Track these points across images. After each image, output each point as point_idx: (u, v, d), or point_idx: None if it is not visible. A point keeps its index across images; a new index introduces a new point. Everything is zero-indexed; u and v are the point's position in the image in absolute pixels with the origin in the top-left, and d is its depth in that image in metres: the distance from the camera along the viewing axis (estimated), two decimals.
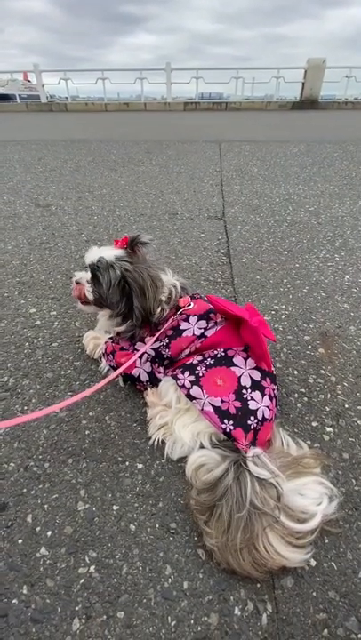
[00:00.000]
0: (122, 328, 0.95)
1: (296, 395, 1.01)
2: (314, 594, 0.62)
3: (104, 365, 1.06)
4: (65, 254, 1.85)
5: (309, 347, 1.19)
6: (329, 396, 1.00)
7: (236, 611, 0.60)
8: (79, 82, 13.13)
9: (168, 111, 10.90)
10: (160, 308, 0.90)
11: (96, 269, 0.90)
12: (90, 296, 0.95)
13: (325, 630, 0.57)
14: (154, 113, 10.52)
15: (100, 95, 12.28)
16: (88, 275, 0.93)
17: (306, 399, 0.99)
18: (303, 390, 1.02)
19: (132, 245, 0.91)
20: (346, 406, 0.97)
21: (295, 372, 1.09)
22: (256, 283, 1.58)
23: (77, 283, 0.98)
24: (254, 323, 0.79)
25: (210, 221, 2.26)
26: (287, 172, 3.39)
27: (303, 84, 10.79)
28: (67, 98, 12.62)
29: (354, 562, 0.65)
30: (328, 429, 0.91)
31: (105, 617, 0.59)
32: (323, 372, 1.09)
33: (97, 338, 1.13)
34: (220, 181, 3.11)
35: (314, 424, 0.92)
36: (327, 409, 0.96)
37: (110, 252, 0.91)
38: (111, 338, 1.05)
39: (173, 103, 11.47)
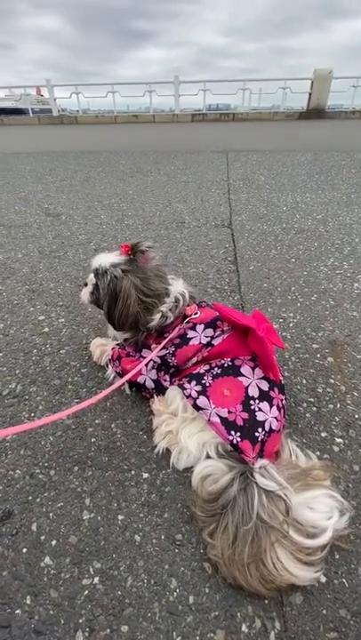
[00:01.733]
0: (127, 335, 0.95)
1: (305, 404, 0.99)
2: (324, 612, 0.60)
3: (110, 372, 1.06)
4: (74, 262, 1.87)
5: (318, 355, 1.17)
6: (339, 405, 0.98)
7: (244, 628, 0.58)
8: (90, 95, 13.50)
9: (176, 122, 11.11)
10: (161, 316, 0.91)
11: (95, 274, 0.93)
12: (85, 297, 1.02)
13: None
14: (162, 124, 10.72)
15: (109, 108, 12.59)
16: (93, 279, 0.95)
17: (315, 409, 0.98)
18: (312, 400, 1.00)
19: (134, 252, 0.92)
20: (356, 416, 0.95)
21: (304, 381, 1.07)
22: (263, 290, 1.57)
23: (85, 284, 1.04)
24: (261, 331, 0.79)
25: (217, 230, 2.27)
26: (294, 181, 3.40)
27: (310, 94, 10.89)
28: (77, 111, 12.98)
29: None
30: (338, 440, 0.89)
31: (109, 630, 0.58)
32: (332, 381, 1.07)
33: (103, 344, 1.13)
34: (228, 190, 3.14)
35: (323, 434, 0.90)
36: (337, 419, 0.94)
37: (109, 259, 0.93)
38: (118, 344, 1.06)
39: (181, 115, 11.68)
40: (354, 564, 0.65)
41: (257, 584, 0.56)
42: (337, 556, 0.66)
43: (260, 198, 2.89)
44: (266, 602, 0.61)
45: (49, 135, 8.60)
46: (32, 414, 0.98)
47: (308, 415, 0.96)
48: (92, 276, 0.97)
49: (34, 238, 2.21)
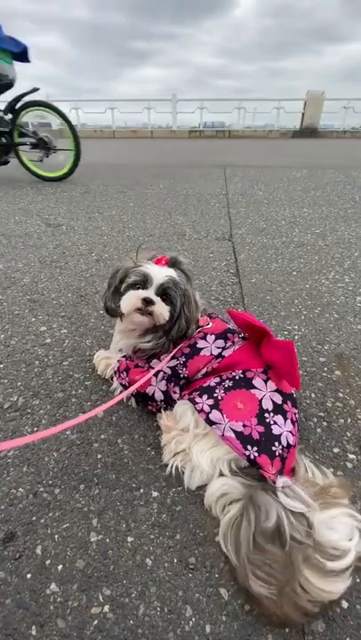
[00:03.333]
0: (148, 345, 0.91)
1: (315, 419, 0.97)
2: (348, 639, 0.57)
3: (115, 385, 1.03)
4: (75, 273, 1.86)
5: (325, 369, 1.17)
6: (349, 420, 0.97)
7: None
8: (89, 111, 13.79)
9: (174, 138, 11.36)
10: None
11: (169, 289, 0.87)
12: (166, 313, 0.85)
13: None
14: (160, 140, 10.97)
15: (108, 124, 12.88)
16: (153, 295, 0.86)
17: (325, 424, 0.96)
18: (322, 414, 0.99)
19: (172, 265, 0.92)
20: None
21: (313, 395, 1.05)
22: (267, 303, 1.57)
23: (149, 302, 0.84)
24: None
25: (218, 242, 2.29)
26: (291, 196, 3.47)
27: (303, 114, 11.28)
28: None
29: None
30: (351, 456, 0.87)
31: None
32: (341, 395, 1.06)
33: (108, 358, 1.11)
34: (227, 204, 3.18)
35: (335, 450, 0.88)
36: (348, 434, 0.93)
37: (170, 272, 0.89)
38: (124, 356, 1.03)
39: (179, 131, 11.99)
40: None
41: (292, 611, 0.53)
42: (358, 580, 0.63)
43: (258, 212, 2.94)
44: (287, 630, 0.57)
45: None
46: (35, 429, 0.94)
47: (318, 430, 0.94)
48: (145, 292, 0.85)
49: (34, 248, 2.19)
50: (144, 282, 0.86)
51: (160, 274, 0.86)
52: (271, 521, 0.57)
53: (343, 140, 10.58)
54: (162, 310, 0.84)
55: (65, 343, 1.29)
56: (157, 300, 0.85)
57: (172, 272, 0.89)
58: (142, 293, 0.84)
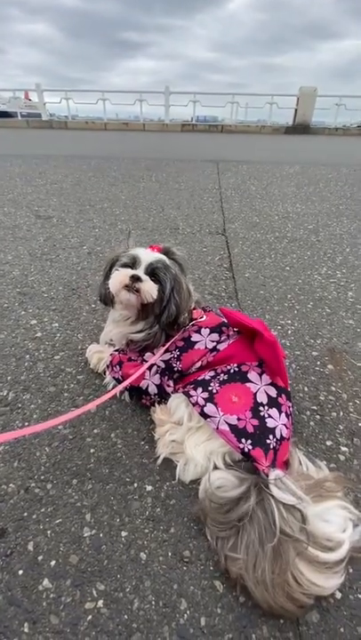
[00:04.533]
0: (140, 335, 0.90)
1: (308, 412, 0.98)
2: (341, 629, 0.57)
3: (108, 379, 1.02)
4: (66, 266, 1.83)
5: (318, 363, 1.17)
6: (342, 413, 0.98)
7: None
8: (80, 101, 13.51)
9: (166, 132, 11.24)
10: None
11: (158, 269, 0.86)
12: (154, 292, 0.83)
13: None
14: (152, 133, 10.83)
15: (99, 115, 12.65)
16: (142, 273, 0.85)
17: (318, 417, 0.97)
18: (315, 408, 0.99)
19: (165, 254, 0.91)
20: (360, 424, 0.94)
21: (306, 389, 1.06)
22: (260, 298, 1.57)
23: (137, 279, 0.83)
24: (269, 337, 0.77)
25: (211, 237, 2.27)
26: (284, 192, 3.47)
27: (296, 110, 11.28)
28: (66, 117, 12.95)
29: None
30: (343, 449, 0.88)
31: None
32: (333, 388, 1.07)
33: (100, 351, 1.09)
34: (220, 199, 3.17)
35: (328, 443, 0.89)
36: (341, 427, 0.94)
37: (160, 256, 0.90)
38: (117, 350, 1.02)
39: (171, 124, 11.85)
40: None
41: (285, 602, 0.53)
42: (351, 571, 0.64)
43: (251, 207, 2.93)
44: (281, 621, 0.58)
45: (38, 139, 8.51)
46: (26, 423, 0.92)
47: (312, 423, 0.95)
48: (133, 270, 0.85)
49: (24, 240, 2.14)
50: (133, 262, 0.87)
51: (149, 255, 0.88)
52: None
53: (335, 138, 10.63)
54: (149, 287, 0.82)
55: (56, 337, 1.27)
56: (145, 277, 0.84)
57: (162, 257, 0.88)
58: (130, 271, 0.85)
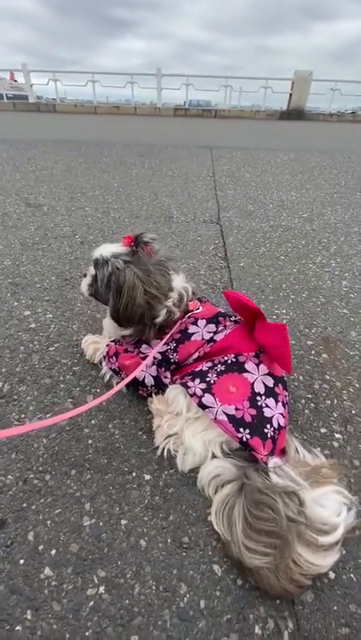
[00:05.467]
0: (127, 332, 0.91)
1: (303, 400, 0.99)
2: (335, 608, 0.60)
3: (105, 370, 1.02)
4: (59, 255, 1.79)
5: (313, 352, 1.19)
6: (336, 401, 1.00)
7: (257, 630, 0.57)
8: (68, 83, 13.04)
9: (158, 116, 10.95)
10: (167, 311, 0.87)
11: (95, 265, 0.89)
12: (85, 289, 0.98)
13: None
14: (144, 117, 10.54)
15: (88, 98, 12.24)
16: (90, 270, 0.91)
17: (313, 405, 0.98)
18: (310, 396, 1.01)
19: (136, 244, 0.88)
20: (353, 412, 0.96)
21: (300, 378, 1.07)
22: (255, 287, 1.57)
23: (84, 275, 0.99)
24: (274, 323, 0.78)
25: (206, 225, 2.25)
26: (279, 179, 3.44)
27: (290, 94, 11.07)
28: (54, 99, 12.50)
29: None
30: (337, 436, 0.89)
31: None
32: (328, 377, 1.08)
33: (96, 342, 1.09)
34: (214, 186, 3.12)
35: (323, 430, 0.91)
36: (335, 415, 0.95)
37: (111, 249, 0.88)
38: (113, 341, 1.01)
39: (164, 108, 11.54)
40: None
41: (287, 584, 0.55)
42: (344, 552, 0.66)
43: (246, 195, 2.90)
44: (278, 602, 0.60)
45: (25, 122, 8.23)
46: (22, 415, 0.92)
47: (306, 411, 0.96)
48: (92, 267, 0.92)
49: (14, 229, 2.09)
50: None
51: (99, 251, 0.90)
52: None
53: (329, 124, 10.49)
54: (82, 285, 0.99)
55: (50, 328, 1.25)
56: (89, 274, 0.96)
57: (111, 249, 0.88)
58: (90, 269, 0.96)
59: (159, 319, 0.85)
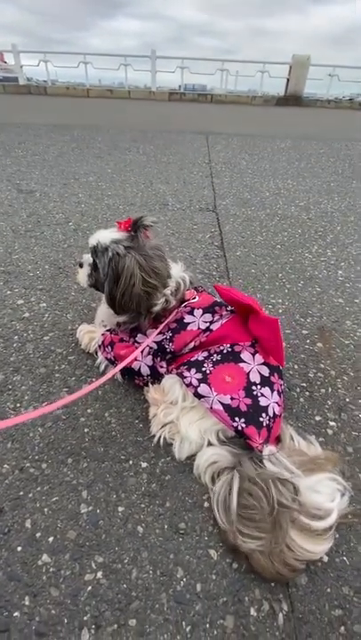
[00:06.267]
0: (122, 318, 0.89)
1: (298, 389, 1.00)
2: (328, 590, 0.61)
3: (100, 359, 1.01)
4: (52, 243, 1.76)
5: (308, 341, 1.19)
6: (330, 390, 1.00)
7: (252, 612, 0.58)
8: (60, 65, 12.57)
9: (153, 100, 10.66)
10: (165, 300, 0.86)
11: (94, 253, 0.85)
12: (83, 280, 0.94)
13: (342, 627, 0.57)
14: (138, 101, 10.25)
15: (80, 80, 11.83)
16: (90, 258, 0.88)
17: (308, 393, 0.99)
18: (304, 384, 1.02)
19: (135, 228, 0.84)
20: (347, 400, 0.97)
21: (295, 367, 1.08)
22: (252, 276, 1.56)
23: (80, 265, 0.95)
24: (267, 315, 0.77)
25: (202, 213, 2.22)
26: (276, 167, 3.39)
27: (288, 80, 10.83)
28: (46, 81, 12.07)
29: None
30: (331, 423, 0.91)
31: (116, 626, 0.56)
32: (322, 365, 1.09)
33: (91, 331, 1.08)
34: (210, 173, 3.07)
35: (317, 418, 0.92)
36: (329, 403, 0.96)
37: (109, 235, 0.85)
38: (108, 330, 1.00)
39: (158, 92, 11.23)
40: (353, 542, 0.67)
41: (281, 568, 0.56)
42: (337, 536, 0.67)
43: (242, 183, 2.86)
44: (272, 585, 0.61)
45: (15, 105, 7.95)
46: (18, 405, 0.91)
47: (301, 400, 0.97)
48: (86, 255, 0.89)
49: (6, 216, 2.04)
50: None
51: (96, 237, 0.86)
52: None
53: (327, 110, 10.32)
54: (80, 275, 0.94)
55: (45, 317, 1.24)
56: (86, 263, 0.92)
57: (109, 235, 0.84)
58: (83, 258, 0.93)
59: (156, 308, 0.84)
